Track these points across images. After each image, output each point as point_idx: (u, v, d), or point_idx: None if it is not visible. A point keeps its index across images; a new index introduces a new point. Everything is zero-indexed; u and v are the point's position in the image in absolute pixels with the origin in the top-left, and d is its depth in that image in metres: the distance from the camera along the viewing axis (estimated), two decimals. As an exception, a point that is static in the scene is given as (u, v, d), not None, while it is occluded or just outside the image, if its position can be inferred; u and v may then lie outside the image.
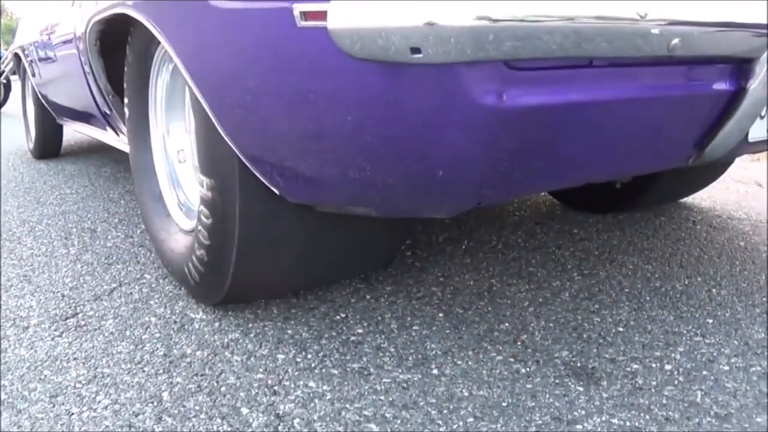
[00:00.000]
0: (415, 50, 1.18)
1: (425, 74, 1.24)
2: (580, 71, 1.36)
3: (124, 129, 2.99)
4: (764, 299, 2.31)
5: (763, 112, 1.83)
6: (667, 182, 3.12)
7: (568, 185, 1.76)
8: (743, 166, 4.61)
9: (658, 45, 1.37)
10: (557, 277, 2.49)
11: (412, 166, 1.42)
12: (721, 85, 1.64)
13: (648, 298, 2.31)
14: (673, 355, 1.92)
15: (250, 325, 2.09)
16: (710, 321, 2.14)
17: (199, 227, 2.03)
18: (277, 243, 1.95)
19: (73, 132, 5.74)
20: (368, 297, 2.28)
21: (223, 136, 1.75)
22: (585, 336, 2.02)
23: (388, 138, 1.38)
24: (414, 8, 1.16)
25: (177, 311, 2.21)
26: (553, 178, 1.62)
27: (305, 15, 1.32)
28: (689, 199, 3.69)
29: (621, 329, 2.07)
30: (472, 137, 1.32)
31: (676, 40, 1.38)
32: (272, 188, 1.76)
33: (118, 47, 2.57)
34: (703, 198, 3.74)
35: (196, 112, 1.91)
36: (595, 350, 1.94)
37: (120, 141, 3.38)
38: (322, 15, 1.28)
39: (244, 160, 1.75)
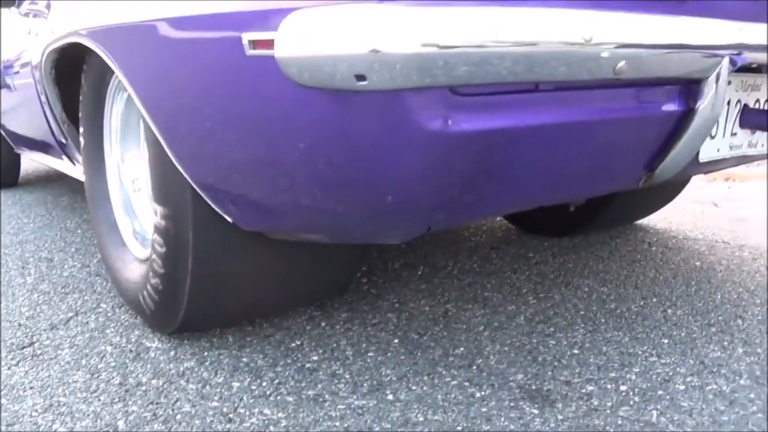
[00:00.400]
0: (360, 77, 1.19)
1: (371, 101, 1.25)
2: (526, 96, 1.38)
3: (79, 158, 2.99)
4: (720, 318, 2.33)
5: (714, 132, 1.86)
6: (622, 204, 3.13)
7: (518, 209, 1.78)
8: (699, 186, 4.65)
9: (604, 68, 1.39)
10: (512, 301, 2.50)
11: (362, 192, 1.43)
12: (670, 107, 1.67)
13: (603, 320, 2.32)
14: (628, 375, 1.93)
15: (206, 353, 2.08)
16: (666, 341, 2.15)
17: (154, 256, 2.02)
18: (232, 271, 1.95)
19: (31, 161, 5.70)
20: (323, 324, 2.28)
21: (176, 164, 1.75)
22: (540, 359, 2.03)
23: (338, 165, 1.39)
24: (359, 35, 1.17)
25: (133, 340, 2.20)
26: (502, 202, 1.64)
27: (254, 44, 1.34)
28: (645, 221, 3.71)
29: (576, 351, 2.08)
30: (419, 163, 1.33)
31: (622, 63, 1.40)
32: (225, 216, 1.77)
33: (73, 76, 2.57)
34: (658, 219, 3.76)
35: (150, 141, 1.92)
36: (550, 373, 1.94)
37: (76, 170, 3.37)
38: (269, 44, 1.29)
39: (196, 188, 1.75)
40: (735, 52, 1.68)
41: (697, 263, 2.97)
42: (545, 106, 1.42)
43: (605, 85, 1.49)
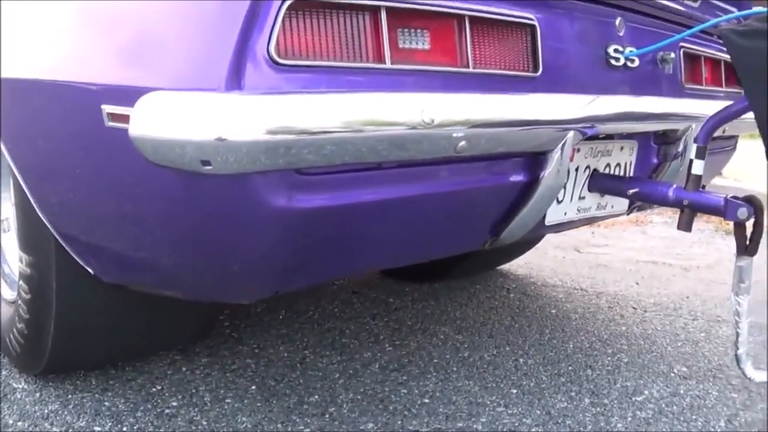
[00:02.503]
0: (206, 162, 1.24)
1: (218, 181, 1.30)
2: (369, 173, 1.45)
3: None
4: (570, 368, 2.42)
5: (561, 197, 1.94)
6: (483, 252, 3.13)
7: (362, 272, 1.84)
8: (564, 233, 4.69)
9: (445, 147, 1.46)
10: (369, 348, 2.54)
11: (211, 260, 1.50)
12: (515, 177, 1.75)
13: (455, 368, 2.39)
14: (475, 425, 2.01)
15: (70, 396, 2.10)
16: (514, 391, 2.24)
17: (19, 301, 2.05)
18: (94, 318, 1.99)
19: None
20: (184, 369, 2.31)
21: (40, 214, 1.79)
22: (391, 408, 2.10)
23: (188, 235, 1.45)
24: (206, 123, 1.22)
25: (0, 380, 2.21)
26: (346, 268, 1.71)
27: (112, 116, 1.39)
28: (506, 266, 3.73)
29: (426, 400, 2.15)
30: (264, 237, 1.39)
31: (462, 143, 1.46)
32: (86, 268, 1.81)
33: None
34: (520, 265, 3.78)
35: (17, 190, 1.95)
36: (399, 422, 2.01)
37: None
38: (125, 119, 1.33)
39: (59, 239, 1.80)
40: (586, 124, 1.76)
41: (553, 311, 3.06)
42: (388, 182, 1.49)
43: (448, 160, 1.56)
